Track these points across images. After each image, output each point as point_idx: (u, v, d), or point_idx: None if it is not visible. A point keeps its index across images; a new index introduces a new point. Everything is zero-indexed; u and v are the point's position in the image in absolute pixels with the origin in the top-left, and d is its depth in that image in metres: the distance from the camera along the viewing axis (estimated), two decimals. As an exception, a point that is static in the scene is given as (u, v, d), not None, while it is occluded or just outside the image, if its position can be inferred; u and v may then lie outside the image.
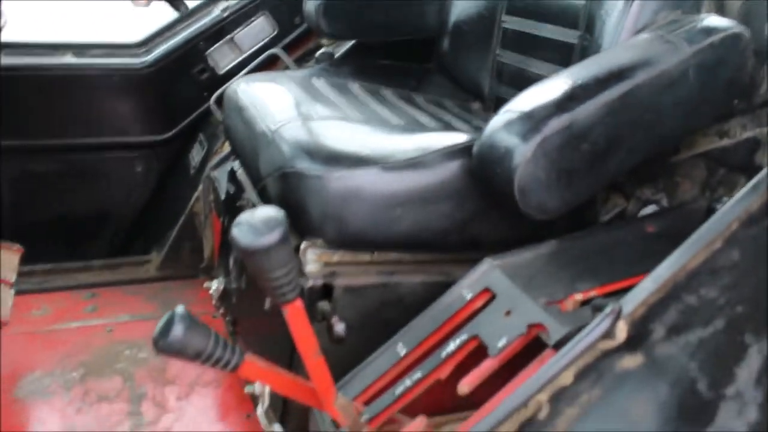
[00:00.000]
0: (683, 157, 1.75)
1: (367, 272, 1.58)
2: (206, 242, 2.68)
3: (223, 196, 2.27)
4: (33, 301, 2.53)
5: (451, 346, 1.35)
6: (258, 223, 1.01)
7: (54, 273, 2.69)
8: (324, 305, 1.55)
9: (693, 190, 1.73)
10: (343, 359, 1.40)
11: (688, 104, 1.55)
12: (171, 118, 2.88)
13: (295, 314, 1.09)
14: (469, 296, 1.41)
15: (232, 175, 2.13)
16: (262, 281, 1.03)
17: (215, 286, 2.22)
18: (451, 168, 1.56)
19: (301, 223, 1.55)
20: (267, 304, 1.75)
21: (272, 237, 0.96)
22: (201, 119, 2.87)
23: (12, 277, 2.20)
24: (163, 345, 1.07)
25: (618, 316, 1.07)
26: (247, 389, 1.79)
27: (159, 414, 2.04)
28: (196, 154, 2.82)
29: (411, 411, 1.35)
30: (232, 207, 2.11)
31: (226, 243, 2.24)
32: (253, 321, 2.02)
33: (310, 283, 1.54)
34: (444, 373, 1.33)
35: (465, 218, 1.59)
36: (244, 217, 1.03)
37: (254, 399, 2.08)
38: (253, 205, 1.86)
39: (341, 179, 1.50)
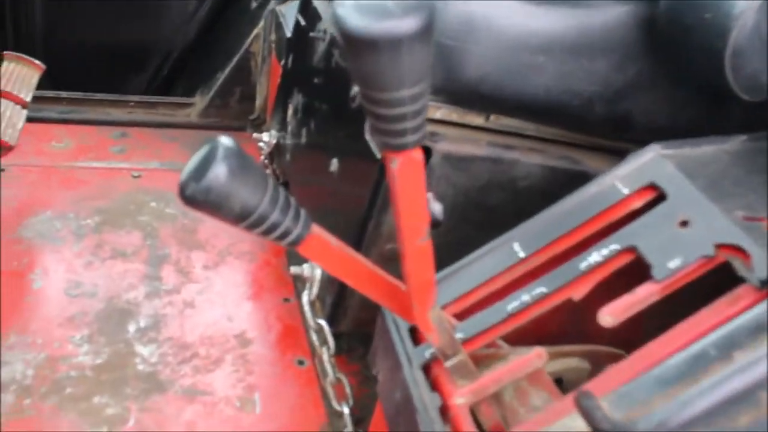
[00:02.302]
0: None
1: (476, 140, 1.16)
2: (260, 89, 2.28)
3: (288, 34, 1.84)
4: (54, 132, 2.17)
5: (595, 256, 0.94)
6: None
7: (82, 103, 2.32)
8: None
9: None
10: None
11: None
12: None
13: (410, 170, 0.68)
14: (626, 191, 0.99)
15: (305, 4, 1.69)
16: (373, 106, 0.62)
17: (266, 139, 1.82)
18: (624, 11, 1.10)
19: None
20: (333, 165, 1.35)
21: (414, 22, 0.54)
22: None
23: (27, 95, 1.82)
24: (194, 191, 0.66)
25: None
26: (293, 270, 1.42)
27: (180, 282, 1.70)
28: (259, -16, 2.37)
29: (512, 338, 0.97)
30: (300, 44, 1.68)
31: (285, 89, 1.82)
32: (312, 188, 1.63)
33: (398, 142, 1.13)
34: (580, 291, 0.93)
35: (621, 85, 1.15)
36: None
37: (298, 283, 1.73)
38: (331, 36, 1.43)
39: (468, 5, 1.05)
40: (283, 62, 1.94)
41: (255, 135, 1.89)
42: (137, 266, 1.71)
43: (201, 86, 2.41)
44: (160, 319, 1.59)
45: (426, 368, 0.96)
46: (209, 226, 1.88)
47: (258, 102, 2.30)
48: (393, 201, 0.70)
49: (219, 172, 0.67)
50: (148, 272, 1.70)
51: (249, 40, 2.26)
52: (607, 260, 0.93)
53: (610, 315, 0.86)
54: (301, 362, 1.55)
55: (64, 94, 2.30)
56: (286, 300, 1.70)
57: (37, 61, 1.92)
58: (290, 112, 1.69)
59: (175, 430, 1.37)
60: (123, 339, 1.53)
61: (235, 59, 2.29)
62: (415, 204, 0.73)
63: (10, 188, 1.90)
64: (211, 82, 2.36)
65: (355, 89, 1.28)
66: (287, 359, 1.55)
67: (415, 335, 1.00)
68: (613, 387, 0.76)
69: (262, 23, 2.23)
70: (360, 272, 0.87)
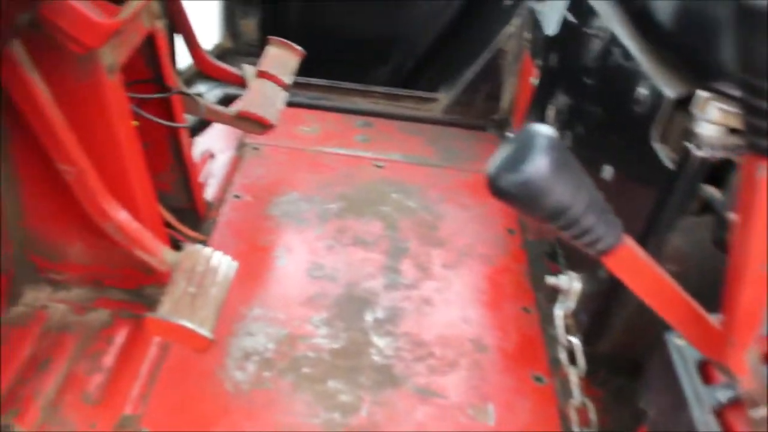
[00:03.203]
0: None
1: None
2: (507, 88, 2.20)
3: (549, 32, 1.74)
4: (304, 116, 2.23)
5: None
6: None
7: (330, 91, 2.37)
8: (711, 192, 1.01)
9: None
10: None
11: None
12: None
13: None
14: None
15: (577, 2, 1.58)
16: (756, 99, 0.51)
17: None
18: None
19: (704, 53, 1.00)
20: (606, 172, 1.24)
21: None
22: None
23: (289, 79, 1.87)
24: (509, 183, 0.60)
25: None
26: (549, 280, 1.32)
27: (419, 277, 1.66)
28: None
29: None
30: (568, 43, 1.58)
31: (545, 89, 1.73)
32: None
33: (700, 152, 1.00)
34: None
35: None
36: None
37: (539, 293, 1.63)
38: (611, 35, 1.32)
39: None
40: (540, 62, 1.84)
41: (508, 134, 1.81)
42: (377, 256, 1.70)
43: (446, 82, 2.38)
44: (397, 313, 1.56)
45: (719, 413, 0.83)
46: (449, 223, 1.83)
47: (503, 102, 2.23)
48: (743, 216, 0.58)
49: (540, 164, 0.59)
50: (387, 263, 1.68)
51: (501, 37, 2.19)
52: None
53: None
54: (539, 379, 1.45)
55: (314, 81, 2.36)
56: (526, 310, 1.61)
57: (297, 47, 1.98)
58: (551, 113, 1.60)
59: (406, 430, 1.32)
60: (360, 327, 1.51)
61: (485, 57, 2.23)
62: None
63: (262, 166, 1.97)
64: (457, 78, 2.32)
65: (642, 91, 1.16)
66: (524, 373, 1.46)
67: (706, 372, 0.87)
68: None
69: (516, 21, 2.14)
70: (667, 295, 0.76)
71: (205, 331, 1.10)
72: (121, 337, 1.43)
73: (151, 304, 1.49)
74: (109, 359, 1.38)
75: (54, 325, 1.44)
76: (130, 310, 1.48)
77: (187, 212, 1.73)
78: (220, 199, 1.82)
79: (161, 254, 1.25)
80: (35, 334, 1.42)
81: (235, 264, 1.25)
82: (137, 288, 1.50)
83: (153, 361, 1.40)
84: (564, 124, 1.52)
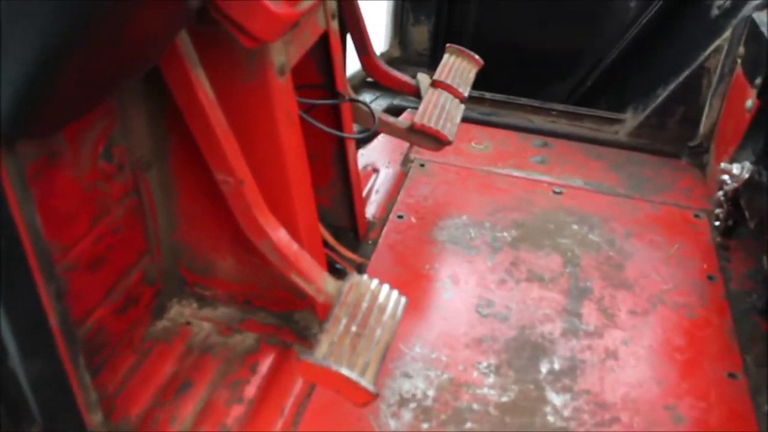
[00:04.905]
0: None
1: None
2: (709, 111, 1.93)
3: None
4: (475, 132, 2.05)
5: None
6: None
7: (504, 106, 2.18)
8: None
9: None
10: None
11: None
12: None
13: None
14: None
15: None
16: None
17: (736, 172, 1.47)
18: None
19: None
20: None
21: None
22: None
23: (466, 90, 1.70)
24: None
25: None
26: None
27: (603, 325, 1.43)
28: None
29: None
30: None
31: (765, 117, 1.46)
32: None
33: None
34: None
35: None
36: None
37: (759, 355, 1.37)
38: None
39: None
40: (760, 81, 1.57)
41: (723, 165, 1.54)
42: (555, 296, 1.49)
43: (633, 102, 2.13)
44: (577, 365, 1.34)
45: None
46: (638, 263, 1.59)
47: (703, 127, 1.95)
48: None
49: None
50: (567, 305, 1.47)
51: (706, 53, 1.91)
52: None
53: None
54: (751, 465, 1.19)
55: (487, 95, 2.18)
56: (732, 376, 1.34)
57: (476, 56, 1.81)
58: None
59: None
60: (534, 379, 1.31)
61: (684, 75, 1.96)
62: None
63: (429, 185, 1.81)
64: (647, 98, 2.07)
65: None
66: (732, 457, 1.21)
67: None
68: None
69: (726, 34, 1.87)
70: None
71: (367, 384, 0.94)
72: (265, 365, 1.30)
73: (301, 331, 1.37)
74: (251, 390, 1.26)
75: (197, 344, 1.34)
76: (278, 336, 1.35)
77: (346, 231, 1.60)
78: (382, 219, 1.68)
79: (320, 282, 1.11)
80: (178, 351, 1.32)
81: (404, 300, 1.09)
82: (288, 312, 1.37)
83: (298, 398, 1.26)
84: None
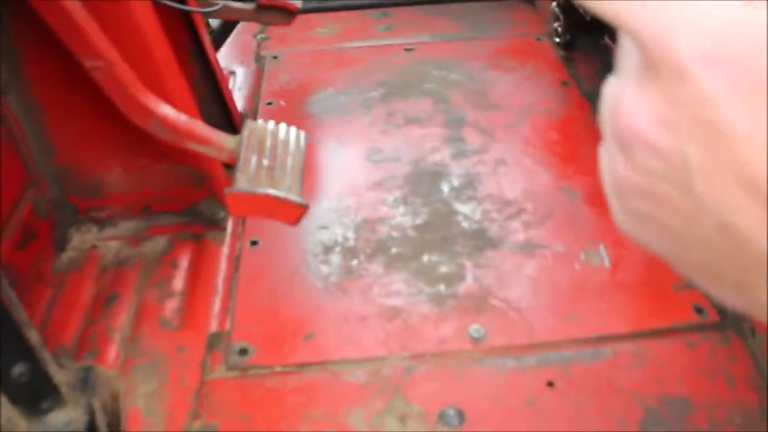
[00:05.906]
0: None
1: None
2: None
3: None
4: (316, 20, 2.07)
5: None
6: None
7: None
8: None
9: None
10: None
11: None
12: None
13: None
14: None
15: None
16: None
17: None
18: None
19: None
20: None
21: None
22: None
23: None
24: None
25: None
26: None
27: (486, 141, 1.53)
28: None
29: None
30: None
31: None
32: None
33: None
34: None
35: None
36: None
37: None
38: None
39: None
40: None
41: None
42: (436, 130, 1.56)
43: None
44: (474, 178, 1.43)
45: None
46: (500, 87, 1.70)
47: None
48: None
49: None
50: (449, 135, 1.54)
51: None
52: None
53: None
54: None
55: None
56: (607, 151, 1.48)
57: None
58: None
59: (520, 287, 1.20)
60: (439, 199, 1.38)
61: None
62: None
63: (287, 72, 1.82)
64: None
65: None
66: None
67: None
68: None
69: None
70: None
71: (297, 197, 0.97)
72: (185, 259, 1.30)
73: (209, 220, 1.37)
74: (178, 282, 1.25)
75: (110, 262, 1.31)
76: (189, 231, 1.35)
77: (223, 129, 1.59)
78: (252, 110, 1.68)
79: (219, 141, 1.11)
80: (92, 274, 1.29)
81: (303, 133, 1.12)
82: (190, 207, 1.36)
83: (226, 276, 1.27)
84: None
